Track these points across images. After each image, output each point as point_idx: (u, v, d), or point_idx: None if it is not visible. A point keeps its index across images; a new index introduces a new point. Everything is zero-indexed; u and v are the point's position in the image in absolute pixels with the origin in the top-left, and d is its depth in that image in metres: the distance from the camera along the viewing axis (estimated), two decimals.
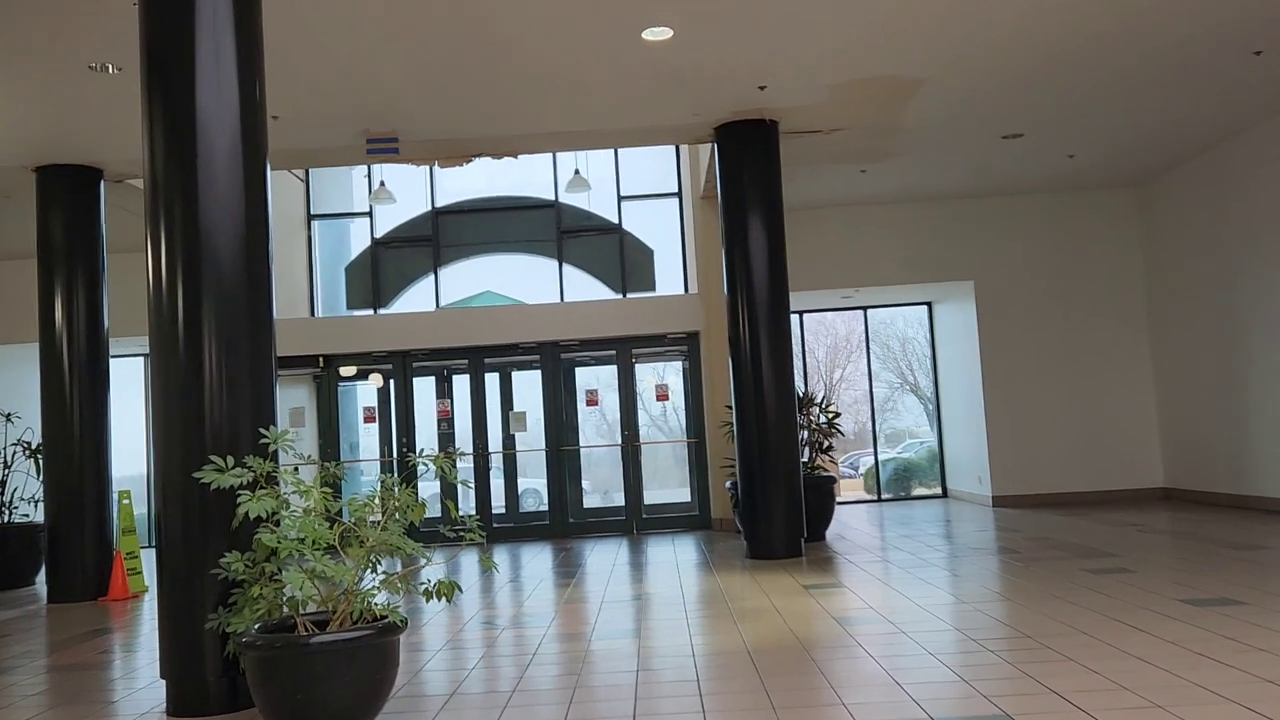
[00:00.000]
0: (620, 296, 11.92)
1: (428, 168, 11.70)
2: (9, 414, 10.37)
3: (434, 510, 11.05)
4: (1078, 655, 4.46)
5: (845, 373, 19.79)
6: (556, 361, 11.56)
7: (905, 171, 10.52)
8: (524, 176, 12.19)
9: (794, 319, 9.57)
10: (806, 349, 13.90)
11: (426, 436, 11.66)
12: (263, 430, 4.12)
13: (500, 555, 9.93)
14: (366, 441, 12.20)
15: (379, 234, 12.25)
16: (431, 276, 12.13)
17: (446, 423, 11.66)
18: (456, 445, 11.49)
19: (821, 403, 9.99)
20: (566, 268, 12.07)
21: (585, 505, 11.75)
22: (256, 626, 3.73)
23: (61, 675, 5.35)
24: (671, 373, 12.13)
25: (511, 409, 11.69)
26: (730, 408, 8.89)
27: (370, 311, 12.16)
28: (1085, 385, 11.75)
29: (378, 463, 11.75)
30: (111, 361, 8.80)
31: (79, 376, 8.45)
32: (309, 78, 7.04)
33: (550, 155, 11.96)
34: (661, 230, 12.11)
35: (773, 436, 8.43)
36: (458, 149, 8.74)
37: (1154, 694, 3.81)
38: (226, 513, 4.05)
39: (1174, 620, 5.04)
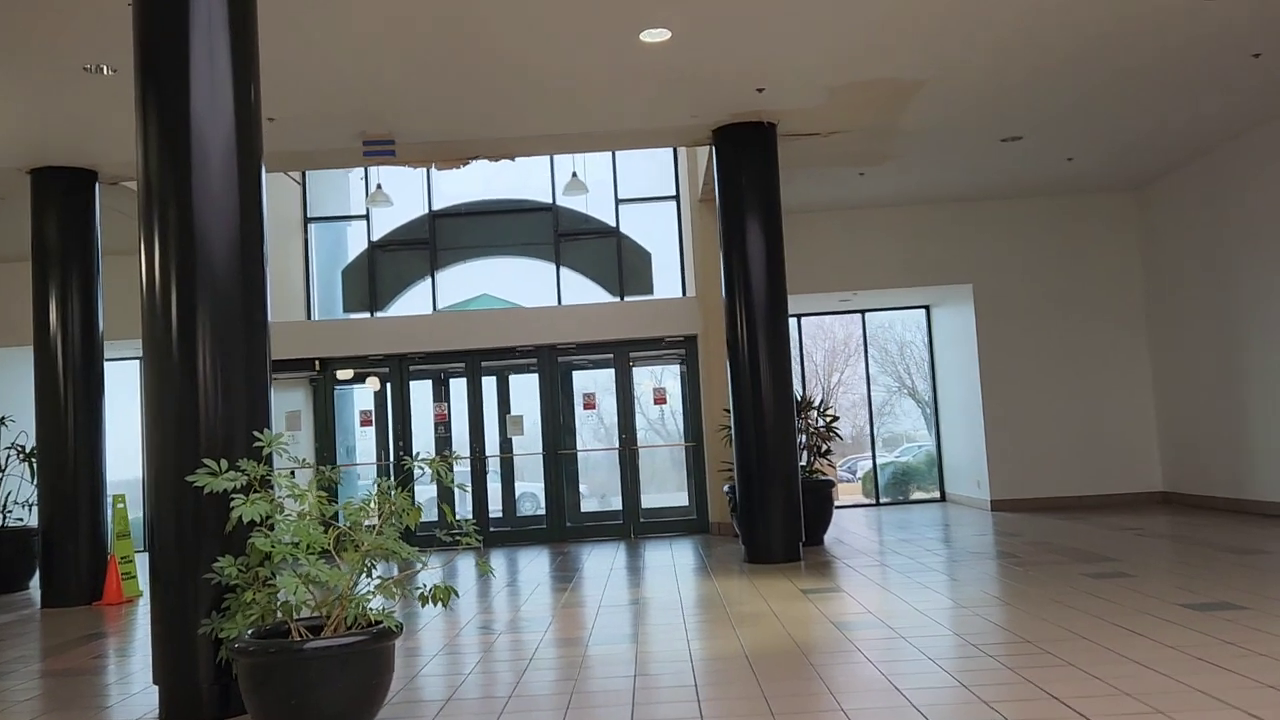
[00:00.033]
0: (618, 300, 11.89)
1: (425, 170, 11.68)
2: (3, 417, 10.32)
3: (431, 514, 11.02)
4: (1078, 660, 4.43)
5: (843, 376, 19.78)
6: (554, 365, 11.52)
7: (904, 174, 10.50)
8: (521, 180, 12.17)
9: (792, 322, 9.55)
10: (804, 353, 13.88)
11: (423, 440, 11.62)
12: (256, 433, 4.08)
13: (497, 559, 9.89)
14: (363, 445, 12.16)
15: (376, 237, 12.22)
16: (428, 279, 12.09)
17: (443, 426, 11.62)
18: (453, 449, 11.45)
19: (820, 406, 9.96)
20: (564, 271, 12.04)
21: (583, 509, 11.71)
22: (250, 632, 3.70)
23: (55, 680, 5.31)
24: (669, 376, 12.10)
25: (509, 412, 11.65)
26: (728, 411, 8.87)
27: (367, 315, 12.12)
28: (1084, 389, 11.73)
29: (374, 466, 11.71)
30: (107, 365, 8.76)
31: (74, 380, 8.40)
32: (305, 79, 7.01)
33: (548, 158, 11.94)
34: (659, 233, 12.08)
35: (771, 440, 8.40)
36: (454, 151, 8.71)
37: (1155, 699, 3.78)
38: (220, 517, 4.01)
39: (1174, 625, 5.01)
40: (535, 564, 9.31)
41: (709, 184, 10.16)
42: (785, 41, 6.82)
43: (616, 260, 11.99)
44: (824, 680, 4.37)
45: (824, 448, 9.84)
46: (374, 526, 3.87)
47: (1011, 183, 11.16)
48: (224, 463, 3.92)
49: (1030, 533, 9.29)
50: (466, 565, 9.52)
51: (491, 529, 11.33)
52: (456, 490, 11.63)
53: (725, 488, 10.03)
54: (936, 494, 13.31)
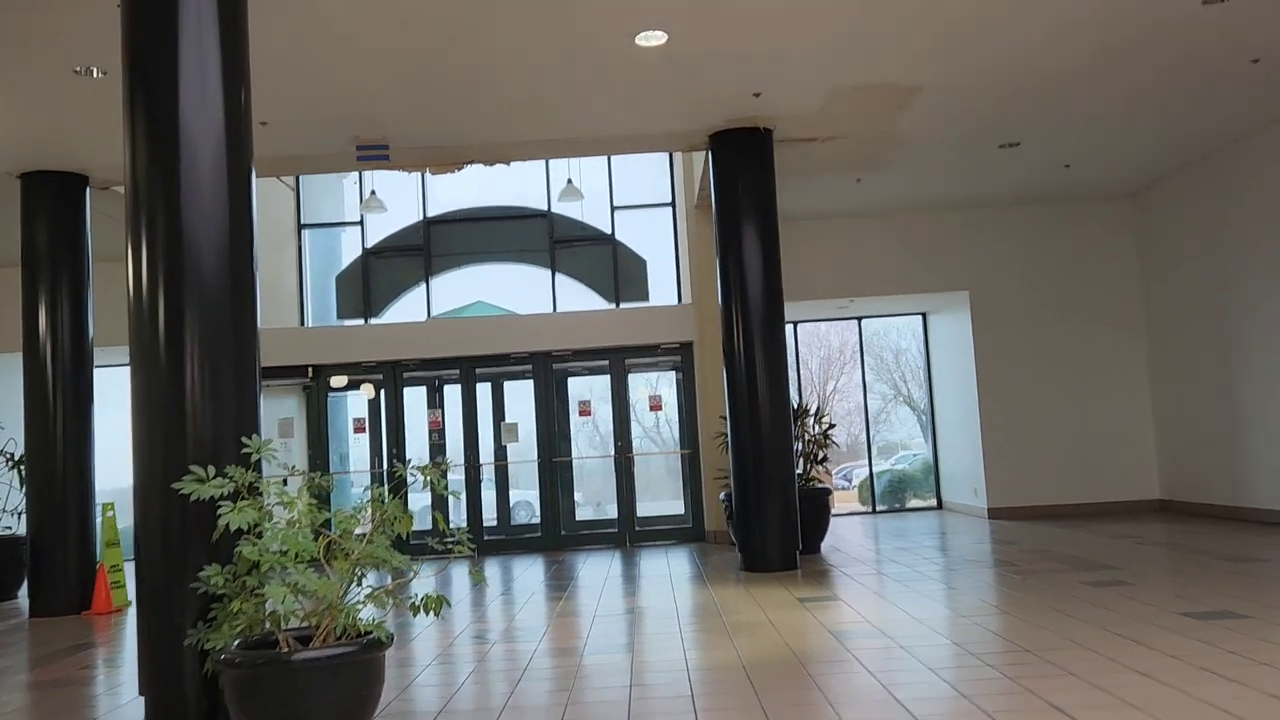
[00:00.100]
0: (613, 306, 11.84)
1: (419, 175, 11.64)
2: None
3: (426, 522, 10.93)
4: (1079, 670, 4.37)
5: (839, 384, 19.75)
6: (549, 372, 11.46)
7: (901, 181, 10.48)
8: (516, 186, 12.12)
9: (788, 329, 9.50)
10: (800, 360, 13.84)
11: (417, 447, 11.53)
12: (245, 439, 4.01)
13: (492, 568, 9.81)
14: (356, 452, 12.08)
15: (370, 243, 12.16)
16: (423, 286, 12.03)
17: (438, 433, 11.54)
18: (447, 456, 11.37)
19: (816, 414, 9.91)
20: (559, 277, 11.99)
21: (578, 517, 11.64)
22: (236, 643, 3.62)
23: (41, 692, 5.22)
24: (665, 383, 12.04)
25: (503, 420, 11.58)
26: (724, 418, 8.81)
27: (361, 321, 12.06)
28: (1081, 396, 11.70)
29: (368, 474, 11.62)
30: (97, 371, 8.67)
31: (63, 387, 8.32)
32: (298, 83, 6.96)
33: (543, 165, 11.90)
34: (655, 240, 12.05)
35: (767, 448, 8.34)
36: (449, 155, 8.66)
37: (1159, 709, 3.72)
38: (207, 525, 3.94)
39: (1175, 634, 4.96)
40: (530, 572, 9.23)
41: (705, 190, 10.12)
42: (782, 45, 6.79)
43: (612, 267, 11.94)
44: (822, 690, 4.30)
45: (820, 455, 9.79)
46: (365, 535, 3.80)
47: (1009, 189, 11.14)
48: (211, 469, 3.85)
49: (1028, 541, 9.24)
50: (460, 574, 9.43)
51: (486, 537, 11.25)
52: (450, 498, 11.60)
53: (721, 495, 9.97)
54: (933, 502, 13.25)
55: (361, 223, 12.18)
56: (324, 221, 12.63)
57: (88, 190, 8.66)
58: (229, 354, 4.20)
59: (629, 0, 6.00)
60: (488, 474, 11.52)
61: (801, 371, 14.03)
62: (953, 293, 11.88)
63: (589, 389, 11.93)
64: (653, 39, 6.55)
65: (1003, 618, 5.68)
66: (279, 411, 11.58)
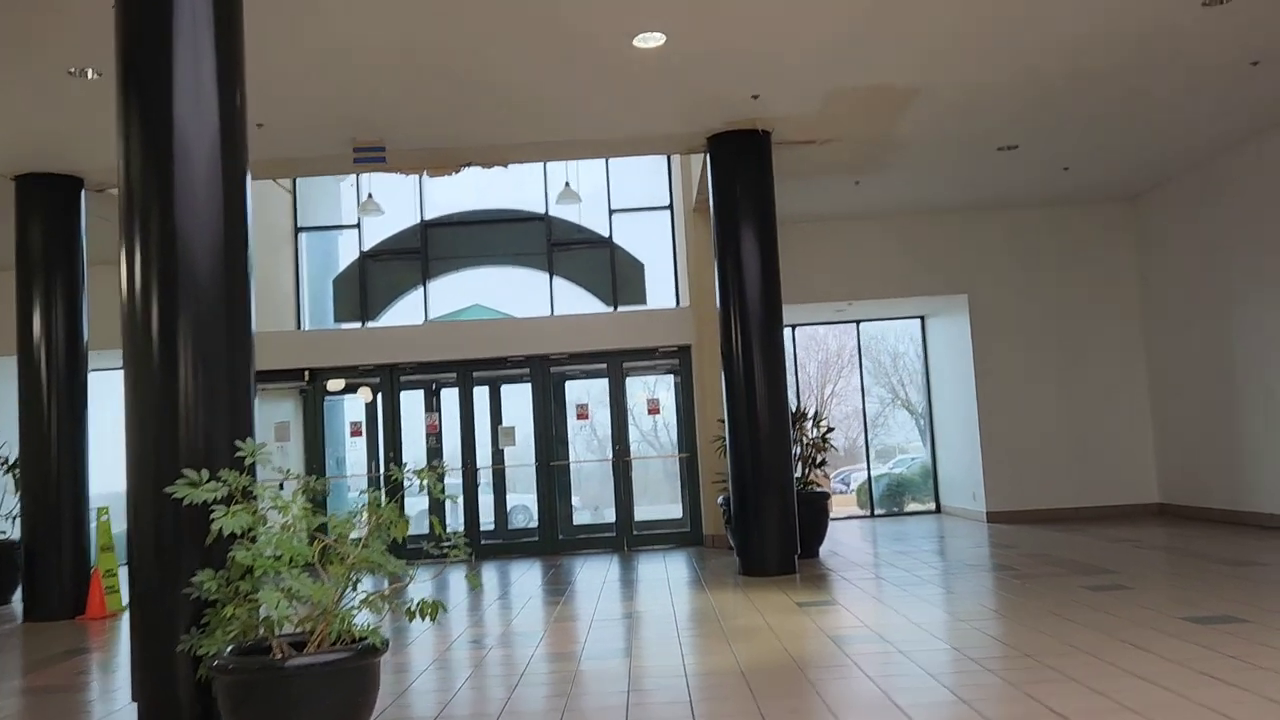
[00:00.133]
0: (611, 310, 11.81)
1: (416, 178, 11.61)
2: None
3: (422, 526, 10.89)
4: (1080, 675, 4.34)
5: (836, 388, 19.73)
6: (546, 375, 11.43)
7: (899, 183, 10.46)
8: (514, 189, 12.10)
9: (786, 333, 9.46)
10: (798, 363, 13.81)
11: (414, 451, 11.49)
12: (239, 443, 3.97)
13: (489, 572, 9.77)
14: (353, 456, 12.03)
15: (367, 246, 12.13)
16: (420, 289, 12.00)
17: (434, 437, 11.50)
18: (444, 460, 11.33)
19: (815, 418, 9.88)
20: (557, 281, 11.96)
21: (575, 521, 11.60)
22: (230, 649, 3.58)
23: (35, 698, 5.17)
24: (663, 387, 12.01)
25: (501, 423, 11.54)
26: (722, 422, 8.78)
27: (358, 324, 12.02)
28: (1080, 400, 11.68)
29: (365, 478, 11.58)
30: (91, 375, 8.63)
31: (57, 390, 8.27)
32: (294, 84, 6.93)
33: (540, 168, 11.88)
34: (652, 243, 12.02)
35: (766, 451, 8.31)
36: (446, 158, 8.64)
37: (1159, 714, 3.69)
38: (201, 529, 3.90)
39: (1176, 638, 4.93)
40: (527, 577, 9.19)
41: (703, 193, 10.10)
42: (781, 47, 6.77)
43: (610, 270, 11.92)
44: (821, 696, 4.27)
45: (819, 459, 9.76)
46: (360, 539, 3.76)
47: (1007, 192, 11.13)
48: (205, 473, 3.82)
49: (1027, 544, 9.21)
50: (457, 578, 9.39)
51: (483, 541, 11.20)
52: (447, 502, 11.53)
53: (720, 499, 9.94)
54: (932, 505, 13.22)
55: (359, 226, 12.15)
56: (321, 224, 12.59)
57: (83, 193, 8.62)
58: (223, 357, 4.16)
59: (627, 1, 5.98)
60: (485, 478, 11.47)
61: (800, 375, 13.99)
62: (951, 296, 11.86)
63: (587, 392, 11.90)
64: (651, 40, 6.53)
65: (1002, 622, 5.65)
66: (275, 415, 11.53)
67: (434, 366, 11.40)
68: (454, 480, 11.37)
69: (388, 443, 11.32)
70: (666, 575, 8.67)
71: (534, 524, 11.47)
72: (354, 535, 3.81)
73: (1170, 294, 11.09)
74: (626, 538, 11.14)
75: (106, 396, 9.10)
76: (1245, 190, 9.64)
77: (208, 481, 3.75)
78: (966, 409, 11.95)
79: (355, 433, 11.79)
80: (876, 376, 16.57)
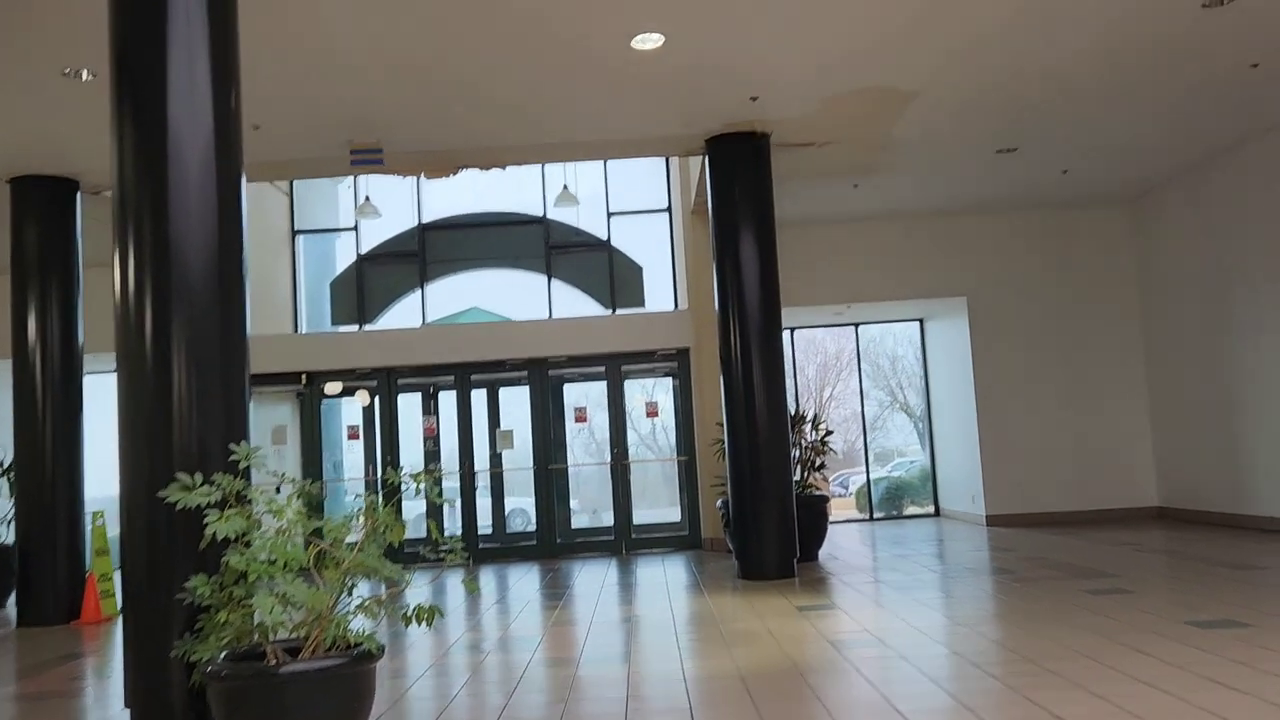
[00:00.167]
0: (609, 313, 11.78)
1: (414, 180, 11.58)
2: None
3: (420, 530, 10.84)
4: (1082, 679, 4.30)
5: (835, 391, 19.71)
6: (544, 378, 11.39)
7: (898, 186, 10.44)
8: (512, 192, 12.07)
9: (785, 335, 9.43)
10: (797, 367, 13.78)
11: (412, 455, 11.45)
12: (232, 446, 3.94)
13: (486, 576, 9.72)
14: (351, 460, 11.99)
15: (365, 249, 12.09)
16: (418, 292, 11.97)
17: (432, 441, 11.46)
18: (442, 463, 11.28)
19: (814, 421, 9.85)
20: (555, 284, 11.93)
21: (573, 525, 11.55)
22: (224, 655, 3.54)
23: (27, 704, 5.12)
24: (661, 390, 11.98)
25: (498, 427, 11.50)
26: (721, 425, 8.74)
27: (355, 327, 11.98)
28: (1079, 403, 11.65)
29: (362, 481, 11.53)
30: (87, 378, 8.58)
31: (52, 394, 8.22)
32: (291, 85, 6.90)
33: (539, 171, 11.86)
34: (651, 246, 12.00)
35: (765, 455, 8.28)
36: (444, 160, 8.61)
37: (1164, 719, 3.66)
38: (194, 534, 3.86)
39: (1179, 643, 4.89)
40: (525, 581, 9.14)
41: (701, 195, 10.08)
42: (779, 48, 6.74)
43: (608, 273, 11.89)
44: (822, 701, 4.23)
45: (818, 463, 9.72)
46: (355, 544, 3.72)
47: (1006, 195, 11.11)
48: (199, 477, 3.78)
49: (1026, 548, 9.18)
50: (455, 582, 9.34)
51: (481, 545, 11.16)
52: (445, 506, 11.51)
53: (718, 503, 9.90)
54: (931, 509, 13.19)
55: (356, 228, 12.11)
56: (318, 227, 12.55)
57: (78, 195, 8.57)
58: (217, 360, 4.13)
59: (625, 3, 5.95)
60: (483, 481, 11.43)
61: (798, 378, 13.96)
62: (950, 298, 11.84)
63: (585, 395, 11.87)
64: (649, 42, 6.51)
65: (1002, 626, 5.61)
66: (273, 418, 11.48)
67: (432, 370, 11.36)
68: (452, 484, 11.32)
69: (385, 446, 11.28)
70: (665, 579, 8.63)
71: (532, 527, 11.43)
72: (350, 539, 3.77)
73: (1169, 297, 11.07)
74: (625, 541, 11.10)
75: (102, 399, 9.04)
76: (1245, 193, 9.62)
77: (201, 485, 3.71)
78: (965, 412, 11.92)
79: (353, 436, 11.74)
80: (875, 380, 16.56)
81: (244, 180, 4.45)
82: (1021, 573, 7.61)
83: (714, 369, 9.87)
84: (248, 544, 3.65)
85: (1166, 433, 11.29)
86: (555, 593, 8.20)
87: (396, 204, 11.93)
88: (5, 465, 9.28)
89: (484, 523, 11.37)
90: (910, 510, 13.50)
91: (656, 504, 12.01)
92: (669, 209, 11.92)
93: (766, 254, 8.47)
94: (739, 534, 8.35)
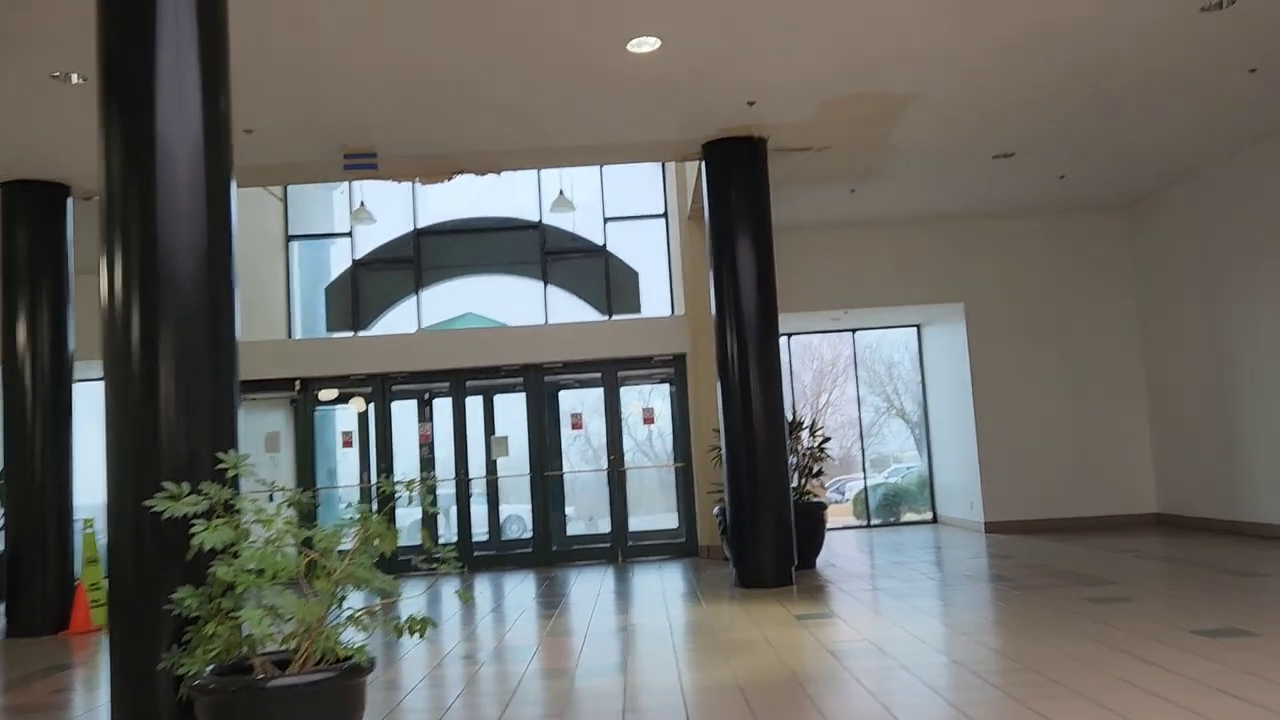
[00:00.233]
0: (605, 318, 11.72)
1: (409, 186, 11.50)
2: None
3: (415, 538, 10.74)
4: (1087, 689, 4.23)
5: (831, 397, 19.65)
6: (540, 384, 11.31)
7: (895, 192, 10.40)
8: (508, 198, 12.01)
9: (781, 341, 9.36)
10: (793, 373, 13.71)
11: (407, 461, 11.36)
12: (220, 455, 3.86)
13: (482, 584, 9.63)
14: (345, 467, 11.89)
15: (359, 255, 12.02)
16: (413, 298, 11.89)
17: (427, 447, 11.37)
18: (437, 470, 11.19)
19: (811, 427, 9.79)
20: (551, 289, 11.86)
21: (569, 532, 11.47)
22: (211, 668, 3.46)
23: (11, 717, 5.03)
24: (658, 396, 11.91)
25: (494, 433, 11.42)
26: (718, 431, 8.68)
27: (350, 333, 11.90)
28: (1077, 409, 11.60)
29: (357, 489, 11.43)
30: (77, 386, 8.49)
31: (42, 401, 8.13)
32: (284, 89, 6.83)
33: (534, 176, 11.80)
34: (647, 252, 11.94)
35: (762, 461, 8.21)
36: (439, 165, 8.54)
37: None
38: (182, 544, 3.78)
39: (1184, 652, 4.83)
40: (521, 589, 9.06)
41: (698, 201, 10.02)
42: (776, 53, 6.69)
43: (604, 278, 11.82)
44: (822, 712, 4.16)
45: (815, 469, 9.65)
46: (345, 553, 3.64)
47: (1003, 201, 11.07)
48: (186, 486, 3.70)
49: (1025, 555, 9.12)
50: (449, 590, 9.25)
51: (476, 553, 11.06)
52: (440, 513, 11.42)
53: (715, 510, 9.82)
54: (928, 515, 13.12)
55: (351, 234, 12.04)
56: (313, 233, 12.48)
57: (69, 200, 8.50)
58: (206, 367, 4.05)
59: (621, 6, 5.90)
60: (478, 488, 11.35)
61: (795, 384, 13.90)
62: (947, 304, 11.79)
63: (581, 402, 11.79)
64: (645, 45, 6.45)
65: (1003, 635, 5.54)
66: (266, 425, 11.39)
67: (427, 376, 11.28)
68: (447, 491, 11.24)
69: (380, 453, 11.19)
70: (662, 587, 8.55)
71: (528, 535, 11.34)
72: (340, 549, 3.69)
73: (1167, 302, 11.03)
74: (621, 549, 11.02)
75: (93, 406, 8.96)
76: (1243, 198, 9.59)
77: (188, 494, 3.63)
78: (963, 418, 11.87)
79: (347, 443, 11.65)
80: (871, 386, 16.50)
81: (234, 185, 4.38)
82: (1021, 580, 7.55)
83: (711, 375, 9.80)
84: (236, 555, 3.57)
85: (1165, 439, 11.25)
86: (551, 601, 8.12)
87: (392, 209, 11.86)
88: None
89: (479, 530, 11.28)
90: (908, 517, 13.43)
91: (653, 511, 11.93)
92: (665, 214, 11.87)
93: (763, 259, 8.41)
94: (736, 541, 8.28)
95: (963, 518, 12.12)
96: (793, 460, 9.28)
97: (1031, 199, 11.05)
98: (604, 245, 11.85)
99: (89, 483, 8.44)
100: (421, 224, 11.98)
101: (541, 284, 11.84)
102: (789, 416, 9.24)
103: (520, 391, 11.31)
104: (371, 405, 11.32)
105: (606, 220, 11.85)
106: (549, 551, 11.03)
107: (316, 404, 11.36)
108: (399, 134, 7.77)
